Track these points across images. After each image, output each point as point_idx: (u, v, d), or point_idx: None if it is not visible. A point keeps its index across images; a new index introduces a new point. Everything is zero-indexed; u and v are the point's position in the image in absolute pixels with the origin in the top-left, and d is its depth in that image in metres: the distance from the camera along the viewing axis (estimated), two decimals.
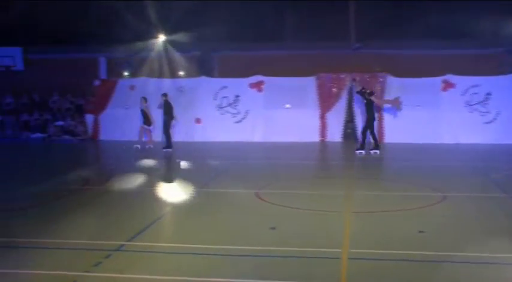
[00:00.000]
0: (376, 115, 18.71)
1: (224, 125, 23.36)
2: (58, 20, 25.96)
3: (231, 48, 25.78)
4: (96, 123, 25.14)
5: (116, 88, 25.09)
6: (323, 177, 15.12)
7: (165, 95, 20.12)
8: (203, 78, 24.60)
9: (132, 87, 24.76)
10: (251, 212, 10.48)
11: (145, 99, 20.69)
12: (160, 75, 25.95)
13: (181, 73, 26.57)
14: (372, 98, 17.81)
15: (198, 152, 20.46)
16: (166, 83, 24.84)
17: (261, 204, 11.07)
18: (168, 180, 14.85)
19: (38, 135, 26.05)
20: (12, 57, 26.90)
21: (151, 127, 20.73)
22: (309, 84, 22.97)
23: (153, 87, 24.56)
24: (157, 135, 22.48)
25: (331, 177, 15.13)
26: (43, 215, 10.82)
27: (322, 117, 22.73)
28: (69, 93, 26.99)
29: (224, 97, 23.82)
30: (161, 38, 26.46)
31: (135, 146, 20.07)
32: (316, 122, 22.69)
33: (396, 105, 19.49)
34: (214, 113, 23.87)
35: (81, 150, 23.19)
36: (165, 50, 26.61)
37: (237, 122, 23.57)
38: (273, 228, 9.03)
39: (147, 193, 12.74)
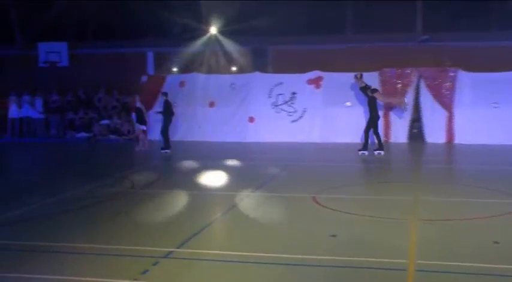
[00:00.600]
0: (381, 113, 19.62)
1: (279, 125, 23.27)
2: (104, 13, 26.86)
3: (287, 41, 25.71)
4: None
5: (164, 84, 25.16)
6: (386, 182, 15.00)
7: (165, 94, 20.53)
8: (257, 73, 24.54)
9: (182, 84, 24.99)
10: (308, 218, 10.47)
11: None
12: (212, 70, 26.09)
13: (233, 68, 26.71)
14: (375, 95, 18.40)
15: (250, 153, 20.58)
16: (218, 79, 25.10)
17: (319, 209, 11.04)
18: (219, 183, 14.80)
19: (83, 134, 26.35)
20: (58, 53, 27.15)
21: (145, 127, 21.04)
22: (371, 80, 21.95)
23: (203, 83, 24.85)
24: (185, 135, 23.69)
25: (395, 182, 15.01)
26: (88, 218, 11.10)
27: (385, 116, 22.29)
28: (115, 90, 27.36)
29: (279, 94, 23.72)
30: (213, 31, 26.62)
31: (137, 149, 20.77)
32: (379, 121, 21.44)
33: (401, 105, 20.14)
34: (268, 111, 23.78)
35: (128, 151, 23.30)
36: (217, 43, 26.65)
37: (293, 121, 23.40)
38: (333, 235, 8.97)
39: (196, 196, 12.83)
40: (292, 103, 23.63)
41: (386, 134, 22.35)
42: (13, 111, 26.95)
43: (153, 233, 9.91)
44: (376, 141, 18.40)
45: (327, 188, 13.07)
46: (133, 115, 21.28)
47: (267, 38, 26.05)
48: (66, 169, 18.93)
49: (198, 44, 26.65)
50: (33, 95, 27.28)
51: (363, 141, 18.31)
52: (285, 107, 23.69)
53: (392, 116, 22.48)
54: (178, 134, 24.53)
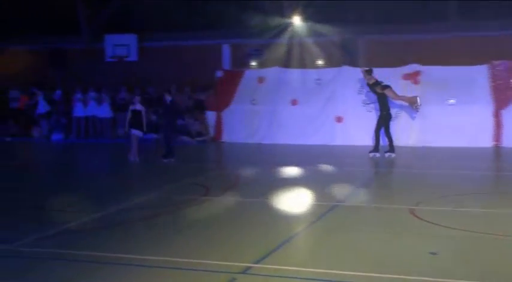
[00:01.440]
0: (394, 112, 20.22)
1: (371, 125, 22.29)
2: (176, 2, 27.17)
3: (380, 31, 25.76)
4: (218, 121, 25.74)
5: (241, 80, 25.50)
6: (497, 192, 14.69)
7: (169, 92, 19.83)
8: (345, 68, 24.37)
9: (260, 79, 25.12)
10: (404, 232, 10.38)
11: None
12: (295, 64, 26.09)
13: (319, 62, 26.72)
14: (386, 91, 18.86)
15: (338, 157, 20.45)
16: (302, 74, 25.04)
17: (417, 223, 10.93)
18: (303, 191, 14.77)
19: (152, 135, 26.21)
20: (126, 46, 28.09)
21: (141, 133, 20.03)
22: (479, 74, 22.54)
23: (285, 78, 24.93)
24: (263, 137, 23.69)
25: (509, 192, 14.62)
26: (159, 228, 11.26)
27: (497, 116, 22.22)
28: (187, 86, 27.54)
29: (370, 91, 22.87)
30: (296, 20, 26.71)
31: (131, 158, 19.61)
32: (489, 123, 22.24)
33: (413, 105, 20.20)
34: (358, 110, 23.68)
35: (201, 154, 23.89)
36: (301, 34, 26.72)
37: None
38: (434, 253, 8.81)
39: (277, 206, 12.80)
40: None
41: (497, 137, 22.17)
42: (78, 110, 27.63)
43: (230, 245, 9.97)
44: (387, 142, 19.12)
45: (428, 199, 12.99)
46: (129, 118, 20.28)
47: (357, 27, 25.75)
48: (135, 173, 19.45)
49: (280, 34, 26.73)
50: (99, 92, 27.84)
51: (374, 142, 19.15)
52: (377, 105, 22.92)
53: (505, 116, 22.16)
54: (257, 135, 24.81)
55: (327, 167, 18.42)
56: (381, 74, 23.07)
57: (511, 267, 8.42)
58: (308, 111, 24.36)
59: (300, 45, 26.82)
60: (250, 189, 15.18)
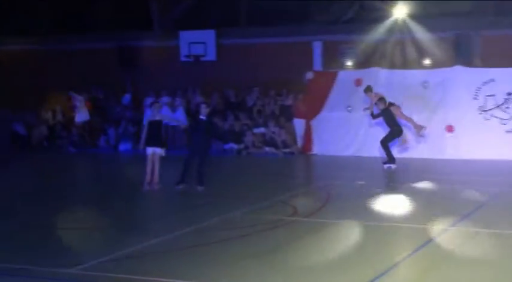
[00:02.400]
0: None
1: (489, 136, 22.91)
2: None
3: (500, 25, 25.44)
4: (308, 130, 25.94)
5: (335, 82, 25.43)
6: None
7: (205, 104, 18.06)
8: (458, 68, 24.16)
9: (358, 81, 24.89)
10: None
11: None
12: (397, 65, 26.15)
13: (427, 62, 26.63)
14: (392, 108, 19.04)
15: (449, 174, 20.18)
16: (405, 75, 24.91)
17: None
18: (405, 212, 14.92)
19: (232, 145, 26.67)
20: (203, 43, 28.33)
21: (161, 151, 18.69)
22: None
23: (386, 81, 24.52)
24: (360, 149, 23.08)
25: None
26: (239, 255, 11.26)
27: None
28: (272, 90, 27.71)
29: (490, 95, 23.36)
30: (399, 13, 26.52)
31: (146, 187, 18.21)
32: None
33: (418, 130, 19.90)
34: (474, 117, 23.59)
35: (288, 168, 23.97)
36: (405, 29, 26.55)
37: (508, 132, 23.11)
38: None
39: (376, 229, 13.01)
40: (507, 107, 23.31)
41: None
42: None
43: (322, 273, 9.93)
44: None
45: None
46: (144, 132, 18.80)
47: (473, 21, 25.68)
48: (217, 189, 18.99)
49: (380, 30, 26.50)
50: (173, 96, 28.24)
51: (385, 155, 19.23)
52: (497, 112, 23.30)
53: None
54: (353, 147, 25.01)
55: (434, 184, 18.65)
56: (502, 75, 24.00)
57: None
58: (413, 119, 23.28)
59: (405, 43, 26.71)
60: (342, 210, 15.15)
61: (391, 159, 19.05)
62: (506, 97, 23.10)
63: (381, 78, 24.65)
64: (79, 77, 30.14)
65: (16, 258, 11.27)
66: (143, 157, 24.51)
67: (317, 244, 12.08)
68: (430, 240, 12.14)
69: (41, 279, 10.37)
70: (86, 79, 30.08)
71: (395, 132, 18.95)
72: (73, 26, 31.41)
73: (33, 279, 10.38)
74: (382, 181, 19.39)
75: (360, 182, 18.93)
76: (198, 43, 28.37)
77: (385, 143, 19.11)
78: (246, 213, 15.16)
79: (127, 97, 29.68)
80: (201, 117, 17.87)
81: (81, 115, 27.85)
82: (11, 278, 10.32)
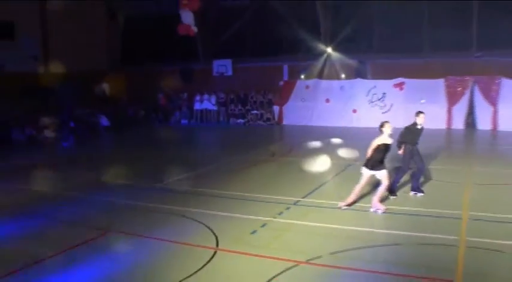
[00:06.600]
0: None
1: (374, 115, 23.03)
2: (257, 38, 27.25)
3: (380, 57, 24.62)
4: (280, 112, 26.46)
5: (295, 87, 26.01)
6: (448, 156, 14.51)
7: (420, 113, 10.61)
8: (359, 79, 24.73)
9: (306, 87, 25.78)
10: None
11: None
12: (327, 77, 25.77)
13: (343, 76, 25.79)
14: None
15: (354, 135, 19.83)
16: (332, 83, 25.10)
17: None
18: (329, 153, 14.74)
19: (240, 121, 27.45)
20: (225, 66, 27.92)
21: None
22: (439, 84, 22.68)
23: (322, 86, 25.23)
24: (308, 121, 23.04)
25: (454, 157, 14.49)
26: (242, 176, 11.94)
27: (449, 110, 22.50)
28: (262, 90, 27.37)
29: (374, 94, 24.11)
30: (328, 50, 25.89)
31: None
32: (444, 114, 22.57)
33: None
34: (366, 105, 24.19)
35: (270, 132, 23.90)
36: (331, 58, 25.81)
37: (383, 113, 23.36)
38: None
39: (316, 164, 12.87)
40: (383, 100, 23.94)
41: (449, 123, 22.32)
42: (197, 105, 28.76)
43: (286, 187, 10.57)
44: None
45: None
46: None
47: (365, 54, 25.03)
48: (230, 142, 20.00)
49: (318, 59, 25.95)
50: (209, 94, 28.42)
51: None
52: (378, 103, 24.08)
53: (454, 110, 21.98)
54: (304, 120, 25.20)
55: (348, 140, 17.60)
56: (380, 84, 23.86)
57: (452, 201, 8.72)
58: (336, 106, 24.81)
59: (331, 65, 25.77)
60: (301, 154, 14.87)
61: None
62: (382, 95, 23.93)
63: (319, 84, 25.40)
64: (163, 86, 28.97)
65: (137, 179, 11.89)
66: (194, 127, 25.06)
67: (285, 172, 12.38)
68: (347, 167, 12.10)
69: (141, 190, 10.84)
70: (165, 87, 29.03)
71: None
72: (157, 57, 29.56)
73: (138, 190, 10.87)
74: (317, 137, 18.58)
75: (308, 139, 18.58)
76: (222, 66, 27.95)
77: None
78: (250, 154, 15.39)
79: (185, 95, 29.31)
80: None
81: (104, 121, 25.03)
82: (127, 189, 10.99)
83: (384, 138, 8.89)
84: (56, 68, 24.86)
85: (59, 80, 23.72)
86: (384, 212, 8.88)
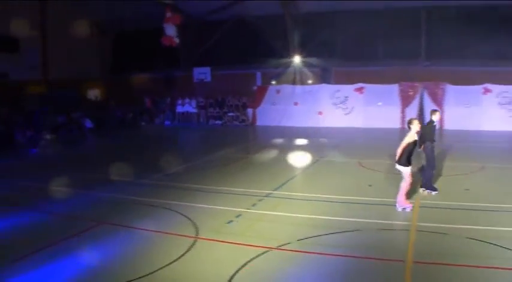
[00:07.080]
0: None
1: (337, 116, 24.00)
2: (233, 48, 26.93)
3: (343, 65, 24.90)
4: (254, 114, 26.53)
5: (267, 91, 26.17)
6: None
7: (435, 111, 10.11)
8: (324, 85, 24.97)
9: (277, 91, 26.02)
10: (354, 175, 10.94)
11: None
12: (296, 82, 25.88)
13: (310, 81, 26.01)
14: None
15: (319, 133, 20.64)
16: (300, 88, 25.32)
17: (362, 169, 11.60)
18: (297, 152, 14.93)
19: (218, 122, 27.46)
20: (204, 73, 27.73)
21: None
22: (394, 89, 23.13)
23: (291, 91, 25.48)
24: (279, 121, 22.80)
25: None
26: (220, 172, 11.88)
27: (402, 111, 22.85)
28: (237, 94, 27.45)
29: (337, 97, 24.28)
30: (297, 58, 25.86)
31: None
32: (398, 115, 22.90)
33: None
34: (330, 108, 24.38)
35: (245, 132, 23.81)
36: (299, 66, 25.87)
37: (345, 114, 24.05)
38: (370, 185, 9.92)
39: (286, 160, 13.33)
40: (345, 103, 24.14)
41: (403, 122, 21.77)
42: (179, 108, 28.89)
43: (259, 181, 10.54)
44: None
45: (370, 156, 13.35)
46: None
47: (331, 62, 25.09)
48: (209, 141, 19.99)
49: (288, 66, 25.93)
50: (190, 98, 28.41)
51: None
52: (341, 105, 24.27)
53: (407, 111, 22.06)
54: (275, 121, 25.06)
55: (312, 138, 18.05)
56: (343, 88, 23.99)
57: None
58: (303, 109, 24.93)
59: (299, 72, 25.79)
60: (269, 151, 15.13)
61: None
62: (344, 99, 24.11)
63: (289, 89, 25.51)
64: (148, 91, 29.02)
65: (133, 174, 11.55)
66: (176, 127, 24.38)
67: (258, 167, 12.43)
68: (317, 161, 12.20)
69: (130, 185, 10.58)
70: (150, 92, 29.13)
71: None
72: (143, 65, 28.92)
73: (125, 185, 10.57)
74: (287, 136, 19.09)
75: (280, 138, 18.93)
76: (202, 73, 27.65)
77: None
78: (227, 152, 15.32)
79: (168, 100, 29.27)
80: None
81: (88, 123, 23.41)
82: (127, 185, 10.64)
83: (413, 135, 8.31)
84: (53, 75, 25.74)
85: (51, 86, 24.32)
86: (411, 209, 8.41)
